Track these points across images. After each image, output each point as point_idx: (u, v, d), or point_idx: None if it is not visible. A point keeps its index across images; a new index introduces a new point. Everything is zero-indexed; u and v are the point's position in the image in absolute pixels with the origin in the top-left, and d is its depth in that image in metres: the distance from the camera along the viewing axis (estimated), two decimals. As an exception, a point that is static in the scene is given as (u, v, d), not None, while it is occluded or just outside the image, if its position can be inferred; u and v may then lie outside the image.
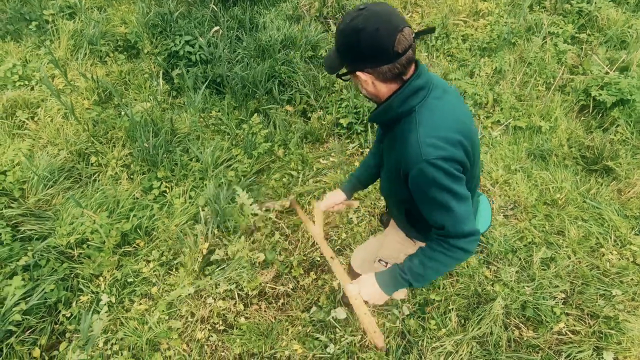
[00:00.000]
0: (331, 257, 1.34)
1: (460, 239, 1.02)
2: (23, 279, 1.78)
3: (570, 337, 1.82)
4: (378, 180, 1.37)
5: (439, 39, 3.43)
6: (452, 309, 1.90)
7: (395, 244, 1.41)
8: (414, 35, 0.97)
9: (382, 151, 1.21)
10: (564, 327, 1.85)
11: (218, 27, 3.22)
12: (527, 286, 2.01)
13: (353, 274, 1.68)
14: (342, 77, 1.07)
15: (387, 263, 1.46)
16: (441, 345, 1.78)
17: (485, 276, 2.05)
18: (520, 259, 2.12)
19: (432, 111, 1.02)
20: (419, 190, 1.03)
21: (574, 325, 1.86)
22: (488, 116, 2.94)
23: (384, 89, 1.03)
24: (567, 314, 1.90)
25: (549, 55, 3.23)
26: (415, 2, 3.93)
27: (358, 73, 1.01)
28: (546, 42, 3.35)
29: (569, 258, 2.12)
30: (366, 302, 1.16)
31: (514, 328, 1.87)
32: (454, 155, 0.99)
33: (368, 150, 2.23)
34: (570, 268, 2.08)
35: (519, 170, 2.58)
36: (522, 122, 2.82)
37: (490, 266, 2.11)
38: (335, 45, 1.01)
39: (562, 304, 1.94)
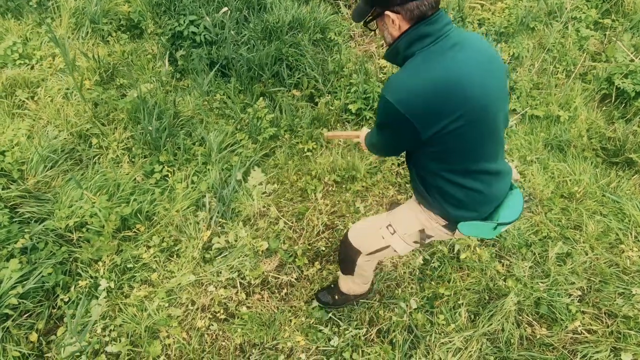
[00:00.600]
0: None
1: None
2: (20, 262, 1.73)
3: (586, 337, 1.74)
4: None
5: (455, 22, 3.28)
6: (462, 303, 1.82)
7: (408, 210, 1.33)
8: None
9: None
10: (579, 325, 1.77)
11: (227, 8, 3.10)
12: (541, 282, 1.92)
13: (345, 254, 1.54)
14: (368, 25, 1.10)
15: (395, 231, 1.33)
16: (450, 341, 1.71)
17: (497, 271, 1.96)
18: (534, 253, 2.03)
19: (424, 61, 1.01)
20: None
21: (590, 325, 1.78)
22: (504, 104, 2.81)
23: (400, 31, 1.05)
24: (583, 312, 1.82)
25: (570, 41, 3.07)
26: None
27: (387, 12, 1.02)
28: (567, 27, 3.18)
29: (586, 254, 2.02)
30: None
31: (527, 325, 1.79)
32: (408, 108, 0.99)
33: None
34: (588, 264, 1.98)
35: (535, 162, 2.46)
36: (540, 111, 2.69)
37: (502, 260, 2.02)
38: None
39: (578, 301, 1.86)
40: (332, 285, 1.83)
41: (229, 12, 3.10)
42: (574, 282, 1.91)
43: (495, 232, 1.23)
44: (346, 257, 1.53)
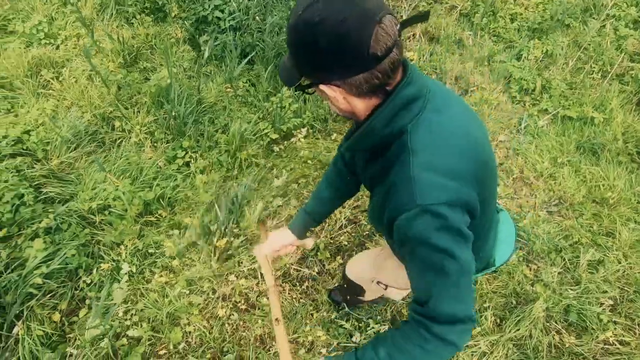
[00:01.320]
0: (276, 320, 1.01)
1: (446, 326, 0.72)
2: (44, 242, 1.73)
3: (618, 348, 1.68)
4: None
5: (485, 16, 3.17)
6: (489, 307, 1.77)
7: (393, 269, 1.17)
8: (399, 26, 0.67)
9: (364, 181, 0.93)
10: (611, 336, 1.70)
11: None
12: (571, 289, 1.85)
13: (350, 286, 1.49)
14: (307, 91, 0.77)
15: (386, 286, 1.29)
16: (475, 344, 1.66)
17: (524, 275, 1.90)
18: (564, 259, 1.96)
19: (431, 132, 0.74)
20: (406, 247, 0.74)
21: (623, 336, 1.71)
22: (534, 103, 2.72)
23: (361, 106, 0.74)
24: (615, 323, 1.75)
25: (607, 40, 2.95)
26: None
27: (322, 87, 0.72)
28: (605, 25, 3.05)
29: (619, 262, 1.94)
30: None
31: (554, 332, 1.74)
32: (463, 197, 0.71)
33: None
34: (621, 273, 1.91)
35: (566, 164, 2.38)
36: (573, 112, 2.59)
37: (530, 265, 1.96)
38: (288, 47, 0.72)
39: (610, 311, 1.79)
40: (345, 285, 1.77)
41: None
42: (606, 291, 1.84)
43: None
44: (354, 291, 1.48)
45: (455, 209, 0.69)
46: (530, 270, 1.93)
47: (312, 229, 1.26)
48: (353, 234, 2.04)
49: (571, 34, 3.06)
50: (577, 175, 2.32)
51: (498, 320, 1.76)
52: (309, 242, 1.28)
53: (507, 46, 3.04)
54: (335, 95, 0.73)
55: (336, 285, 1.82)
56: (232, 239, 1.91)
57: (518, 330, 1.70)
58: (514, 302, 1.81)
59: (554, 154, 2.43)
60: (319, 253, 1.94)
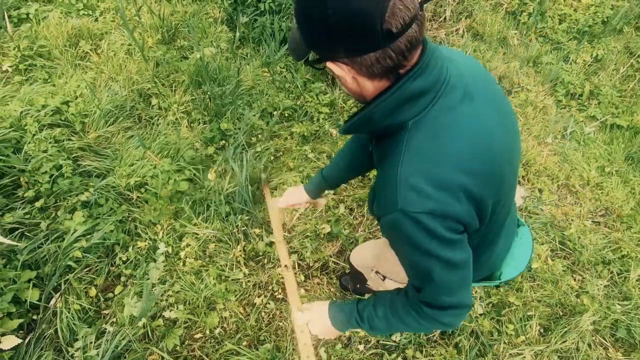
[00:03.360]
0: (285, 266, 1.07)
1: (438, 310, 0.74)
2: (83, 216, 1.70)
3: (669, 369, 1.61)
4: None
5: (532, 15, 3.05)
6: (533, 315, 1.71)
7: (393, 261, 1.11)
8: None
9: (372, 157, 0.85)
10: (662, 356, 1.64)
11: None
12: (619, 304, 1.78)
13: (353, 272, 1.48)
14: (316, 66, 0.69)
15: (384, 277, 1.25)
16: (519, 353, 1.60)
17: (570, 286, 1.83)
18: (611, 272, 1.89)
19: (433, 134, 0.66)
20: (391, 242, 0.74)
21: (674, 356, 1.64)
22: (582, 109, 2.61)
23: (370, 88, 0.67)
24: (666, 342, 1.68)
25: (661, 48, 2.82)
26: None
27: (329, 65, 0.65)
28: (659, 32, 2.92)
29: (670, 280, 1.86)
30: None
31: (599, 347, 1.67)
32: (449, 211, 0.65)
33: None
34: (672, 291, 1.83)
35: (614, 174, 2.28)
36: (623, 121, 2.49)
37: (575, 275, 1.89)
38: (294, 17, 0.64)
39: (660, 329, 1.72)
40: (350, 272, 1.70)
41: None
42: (657, 309, 1.76)
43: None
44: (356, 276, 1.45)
45: (437, 218, 0.65)
46: (575, 281, 1.86)
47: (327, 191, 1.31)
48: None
49: (623, 39, 2.94)
50: (626, 186, 2.23)
51: (542, 330, 1.70)
52: (322, 202, 1.37)
53: (554, 48, 2.93)
54: (343, 75, 0.65)
55: (347, 271, 1.77)
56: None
57: (564, 342, 1.63)
58: (560, 312, 1.75)
59: (601, 162, 2.33)
60: (357, 247, 1.89)
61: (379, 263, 1.26)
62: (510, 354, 1.60)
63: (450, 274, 0.70)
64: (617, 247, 1.97)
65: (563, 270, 1.87)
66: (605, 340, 1.68)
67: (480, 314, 1.71)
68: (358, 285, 1.64)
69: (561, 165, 2.31)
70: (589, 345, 1.65)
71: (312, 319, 0.97)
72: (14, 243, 1.52)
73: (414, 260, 0.72)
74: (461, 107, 0.67)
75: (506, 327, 1.68)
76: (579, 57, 2.82)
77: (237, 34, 2.52)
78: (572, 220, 2.08)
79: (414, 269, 0.74)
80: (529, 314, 1.72)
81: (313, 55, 0.67)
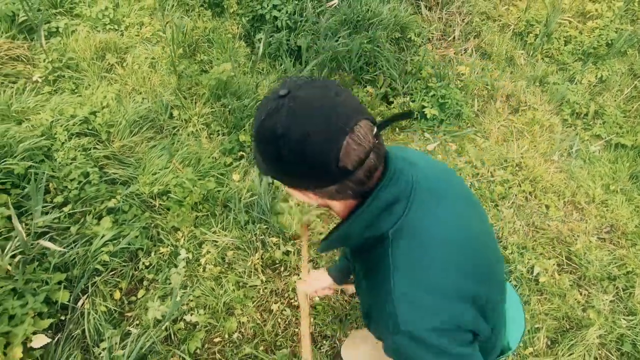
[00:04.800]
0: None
1: None
2: (111, 221, 1.78)
3: (674, 384, 1.66)
4: None
5: (539, 37, 3.16)
6: (540, 328, 1.76)
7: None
8: (376, 129, 0.60)
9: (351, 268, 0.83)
10: (667, 371, 1.68)
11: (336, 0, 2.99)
12: (624, 319, 1.83)
13: None
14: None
15: None
16: (527, 365, 1.65)
17: (576, 300, 1.88)
18: (617, 287, 1.94)
19: (417, 239, 0.65)
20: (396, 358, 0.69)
21: (679, 371, 1.69)
22: (587, 128, 2.70)
23: (338, 206, 0.68)
24: (671, 358, 1.73)
25: (664, 71, 2.92)
26: (512, -5, 3.63)
27: (292, 191, 0.66)
28: (662, 56, 3.02)
29: (675, 297, 1.92)
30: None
31: (606, 361, 1.72)
32: (454, 319, 0.64)
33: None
34: (676, 308, 1.88)
35: (618, 192, 2.35)
36: (627, 140, 2.57)
37: (581, 290, 1.94)
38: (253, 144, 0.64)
39: (665, 345, 1.77)
40: None
41: (336, 4, 3.00)
42: (662, 325, 1.81)
43: None
44: None
45: (444, 333, 0.62)
46: (581, 295, 1.91)
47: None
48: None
49: (627, 61, 3.03)
50: (630, 204, 2.29)
51: (549, 342, 1.75)
52: (350, 288, 1.21)
53: (560, 68, 3.03)
54: (307, 200, 0.67)
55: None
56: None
57: (571, 354, 1.68)
58: (567, 325, 1.80)
59: (606, 180, 2.40)
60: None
61: None
62: (518, 365, 1.65)
63: None
64: (623, 264, 2.02)
65: (570, 285, 1.93)
66: (611, 354, 1.73)
67: (489, 326, 1.77)
68: None
69: (567, 182, 2.39)
70: (595, 358, 1.69)
71: None
72: (59, 249, 1.60)
73: None
74: (435, 209, 0.68)
75: (514, 338, 1.73)
76: (584, 78, 2.91)
77: (260, 50, 2.63)
78: (578, 236, 2.14)
79: None
80: (536, 326, 1.77)
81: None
